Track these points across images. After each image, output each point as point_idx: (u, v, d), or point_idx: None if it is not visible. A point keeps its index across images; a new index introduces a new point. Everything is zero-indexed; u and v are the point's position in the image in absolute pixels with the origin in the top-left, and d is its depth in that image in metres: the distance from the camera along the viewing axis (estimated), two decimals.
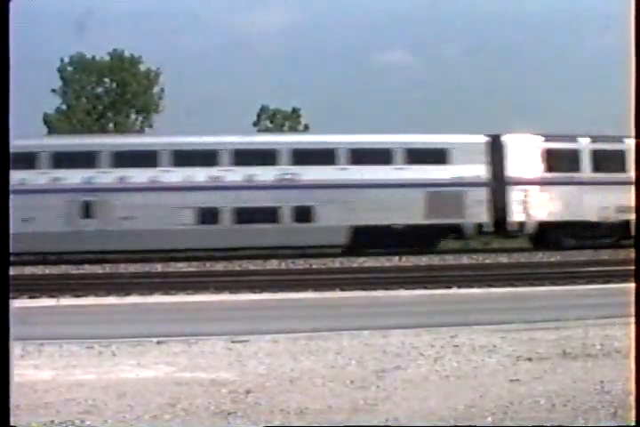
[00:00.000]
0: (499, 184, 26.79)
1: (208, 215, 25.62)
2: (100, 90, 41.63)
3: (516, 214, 26.70)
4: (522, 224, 26.79)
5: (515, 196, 26.69)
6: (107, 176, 25.49)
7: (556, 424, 6.05)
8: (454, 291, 16.50)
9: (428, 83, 50.01)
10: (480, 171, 26.47)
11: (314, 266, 22.82)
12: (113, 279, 19.29)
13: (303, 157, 25.95)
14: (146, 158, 25.51)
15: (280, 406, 6.61)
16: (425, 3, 45.73)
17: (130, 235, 24.78)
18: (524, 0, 45.93)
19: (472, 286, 16.83)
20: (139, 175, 25.47)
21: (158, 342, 9.86)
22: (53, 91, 40.76)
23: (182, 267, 23.01)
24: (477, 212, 26.33)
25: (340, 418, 6.29)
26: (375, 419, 6.27)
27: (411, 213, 25.84)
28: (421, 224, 25.89)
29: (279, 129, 43.54)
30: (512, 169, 26.88)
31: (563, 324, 10.88)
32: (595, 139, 27.46)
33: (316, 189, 25.80)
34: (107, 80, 41.47)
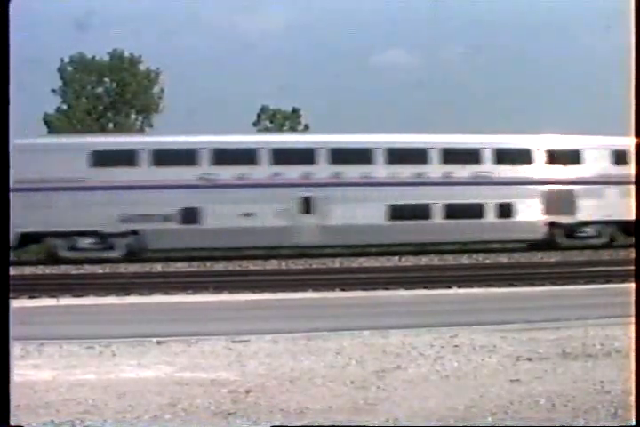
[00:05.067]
0: None
1: None
2: (100, 90, 41.62)
3: None
4: None
5: None
6: None
7: (555, 424, 6.06)
8: (454, 291, 16.49)
9: (428, 83, 50.04)
10: None
11: (314, 266, 22.81)
12: (113, 279, 19.28)
13: None
14: None
15: (280, 406, 6.61)
16: (425, 2, 45.72)
17: None
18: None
19: (472, 286, 16.83)
20: None
21: (158, 342, 9.86)
22: (53, 91, 40.80)
23: (182, 267, 23.00)
24: None
25: (340, 418, 6.29)
26: (375, 419, 6.27)
27: None
28: None
29: (279, 129, 43.58)
30: None
31: (563, 324, 10.88)
32: None
33: None
34: (107, 80, 41.48)
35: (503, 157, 26.80)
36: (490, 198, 26.34)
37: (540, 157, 27.08)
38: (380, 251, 26.21)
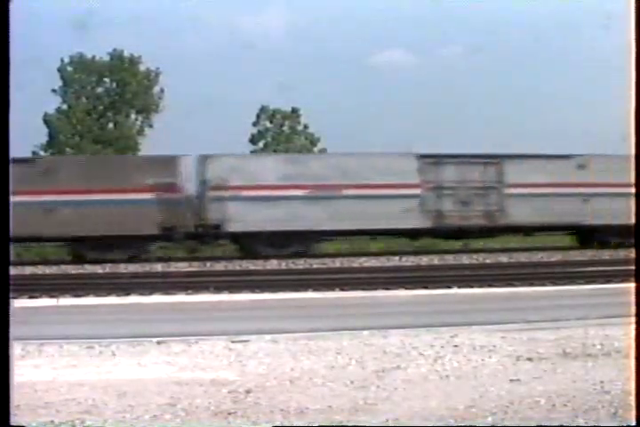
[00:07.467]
0: None
1: None
2: (100, 90, 41.63)
3: None
4: None
5: None
6: None
7: (555, 424, 6.06)
8: (454, 291, 16.49)
9: (429, 83, 50.06)
10: None
11: (314, 266, 22.80)
12: (113, 279, 19.28)
13: None
14: None
15: (280, 406, 6.61)
16: (425, 2, 45.75)
17: None
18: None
19: (472, 286, 16.82)
20: None
21: (158, 342, 9.85)
22: (53, 91, 40.84)
23: (182, 267, 23.00)
24: None
25: (340, 418, 6.29)
26: (375, 419, 6.27)
27: None
28: None
29: (279, 129, 43.58)
30: None
31: (563, 324, 10.88)
32: None
33: None
34: (107, 80, 41.50)
35: None
36: None
37: None
38: (380, 251, 26.21)
